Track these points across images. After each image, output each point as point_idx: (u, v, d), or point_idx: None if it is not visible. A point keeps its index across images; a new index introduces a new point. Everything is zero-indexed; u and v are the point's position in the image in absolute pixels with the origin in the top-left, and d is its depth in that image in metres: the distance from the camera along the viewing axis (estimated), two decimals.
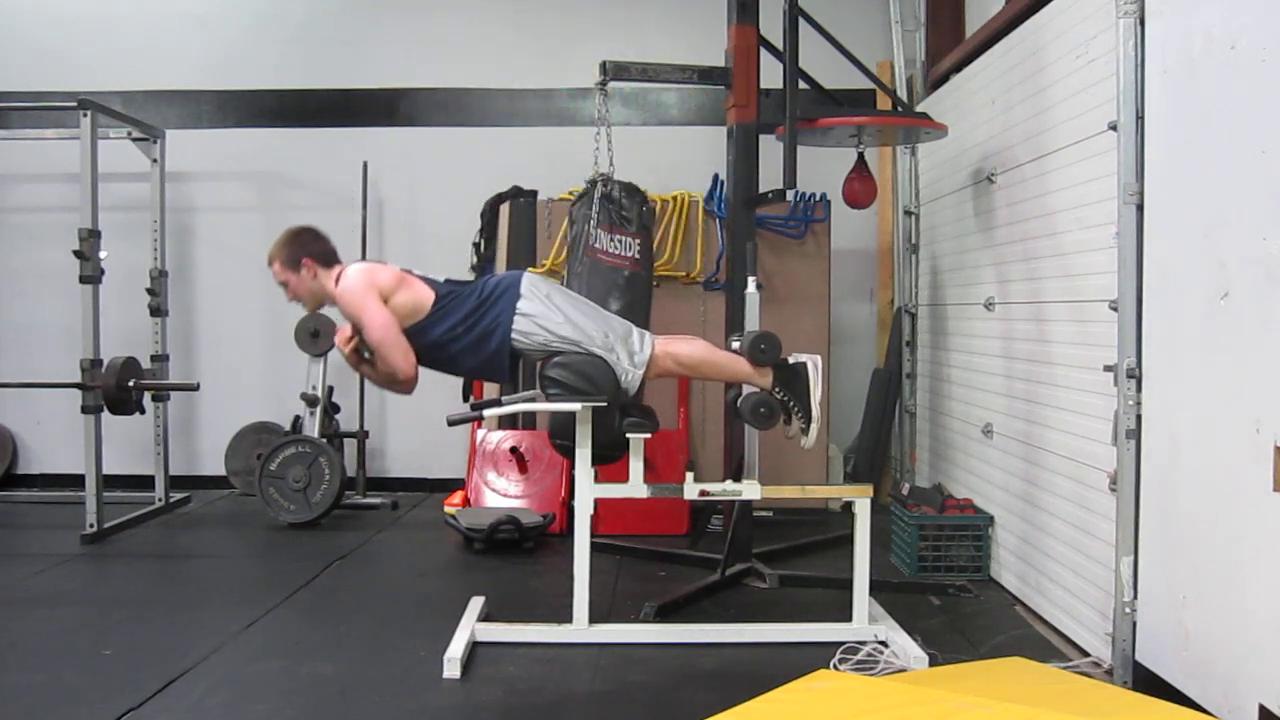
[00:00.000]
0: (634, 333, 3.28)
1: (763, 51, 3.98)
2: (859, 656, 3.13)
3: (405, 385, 3.29)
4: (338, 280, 3.26)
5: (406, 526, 5.06)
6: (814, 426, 3.26)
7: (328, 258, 3.34)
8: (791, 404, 3.26)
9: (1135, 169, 2.81)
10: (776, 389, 3.28)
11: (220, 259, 5.88)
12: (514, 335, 3.19)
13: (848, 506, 3.40)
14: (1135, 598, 2.81)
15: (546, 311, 3.20)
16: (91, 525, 4.62)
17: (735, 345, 3.44)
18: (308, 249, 3.32)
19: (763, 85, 3.98)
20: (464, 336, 3.23)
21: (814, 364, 3.27)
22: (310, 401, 5.24)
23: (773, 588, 3.87)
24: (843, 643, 3.21)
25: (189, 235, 5.88)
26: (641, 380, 3.25)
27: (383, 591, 3.97)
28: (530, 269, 5.24)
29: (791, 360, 3.29)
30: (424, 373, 5.94)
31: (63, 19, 5.83)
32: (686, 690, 2.91)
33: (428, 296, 3.25)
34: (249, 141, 5.84)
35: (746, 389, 3.38)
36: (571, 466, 3.47)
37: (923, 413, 5.13)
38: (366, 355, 3.28)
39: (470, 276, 5.52)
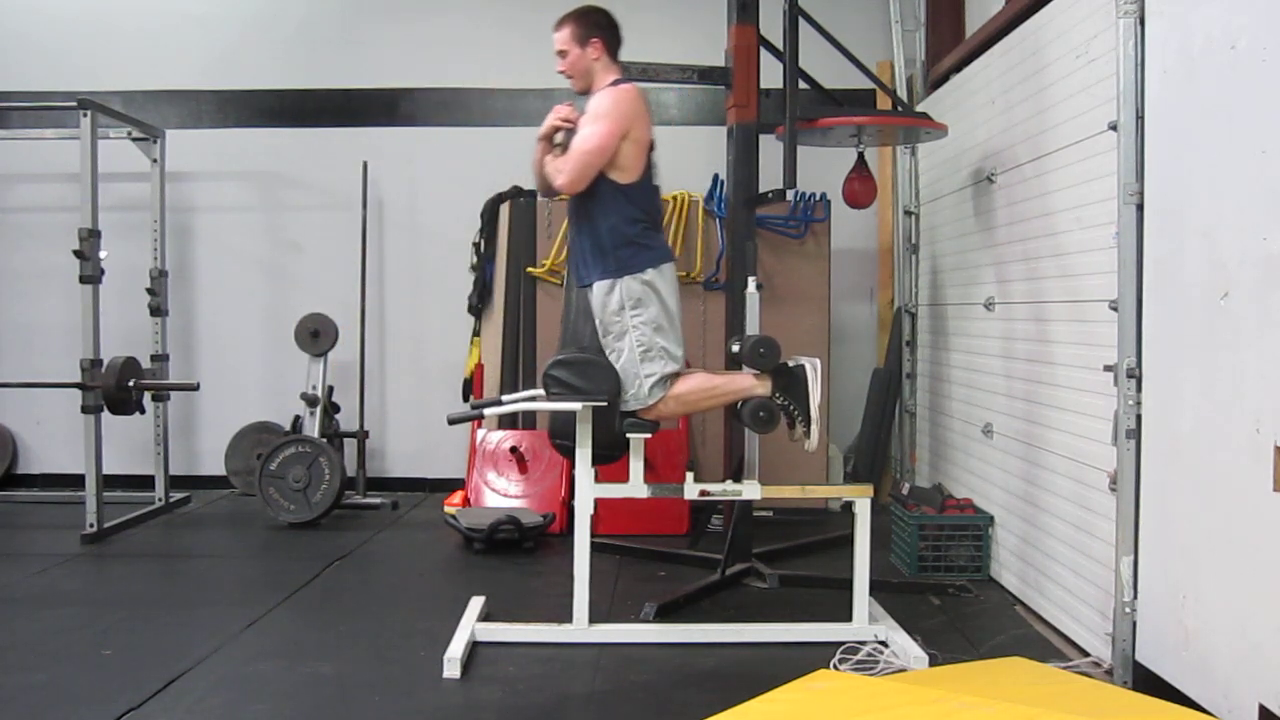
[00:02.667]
0: (666, 379, 3.21)
1: (763, 51, 3.99)
2: (859, 656, 3.13)
3: (553, 192, 3.32)
4: (614, 83, 3.26)
5: (406, 526, 5.06)
6: (814, 429, 3.25)
7: (615, 52, 3.34)
8: (791, 408, 3.26)
9: (1135, 169, 2.81)
10: (776, 394, 3.27)
11: (220, 259, 5.88)
12: (622, 282, 3.16)
13: (848, 506, 3.40)
14: (1135, 598, 2.81)
15: (647, 300, 3.17)
16: (91, 525, 4.62)
17: (734, 348, 3.44)
18: (605, 31, 3.32)
19: (763, 85, 3.98)
20: (611, 229, 3.18)
21: (812, 367, 3.27)
22: (310, 401, 5.24)
23: (773, 588, 3.87)
24: (843, 643, 3.22)
25: (189, 235, 5.88)
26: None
27: (383, 591, 3.97)
28: (530, 269, 5.26)
29: (790, 364, 3.29)
30: (419, 373, 5.96)
31: (63, 19, 5.83)
32: (686, 690, 2.91)
33: (635, 176, 3.22)
34: (249, 141, 5.84)
35: None
36: (571, 466, 3.48)
37: (923, 413, 5.13)
38: (558, 142, 3.27)
39: (470, 276, 5.54)
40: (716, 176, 5.16)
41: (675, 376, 3.24)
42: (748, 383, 3.29)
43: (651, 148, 3.31)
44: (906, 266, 5.26)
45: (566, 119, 3.28)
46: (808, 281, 5.20)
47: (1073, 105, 3.30)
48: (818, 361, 3.30)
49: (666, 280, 3.24)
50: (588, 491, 3.28)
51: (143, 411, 4.93)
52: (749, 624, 3.39)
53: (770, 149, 4.05)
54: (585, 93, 3.36)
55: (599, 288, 3.22)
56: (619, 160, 3.19)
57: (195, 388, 5.12)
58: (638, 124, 3.21)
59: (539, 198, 5.37)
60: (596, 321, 3.25)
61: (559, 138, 3.29)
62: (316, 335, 5.30)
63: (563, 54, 3.33)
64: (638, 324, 3.18)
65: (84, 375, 4.65)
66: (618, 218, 3.20)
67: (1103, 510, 3.02)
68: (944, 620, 3.54)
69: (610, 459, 3.38)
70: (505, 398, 3.45)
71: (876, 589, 3.46)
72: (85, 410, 4.65)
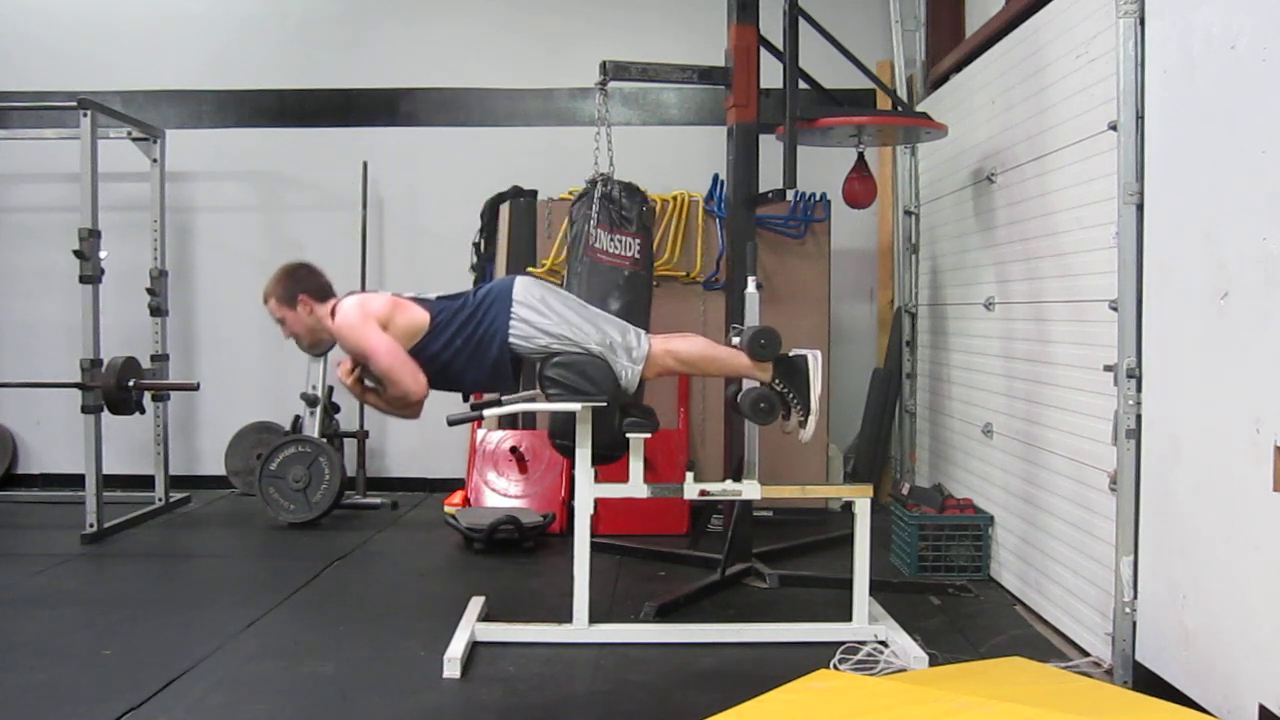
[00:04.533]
0: (630, 331, 3.27)
1: (763, 51, 3.98)
2: (859, 656, 3.13)
3: (415, 408, 3.24)
4: (334, 314, 3.23)
5: (406, 526, 5.06)
6: (812, 419, 3.25)
7: (323, 293, 3.30)
8: (791, 397, 3.26)
9: (1135, 169, 2.81)
10: (776, 381, 3.27)
11: (220, 259, 5.88)
12: (512, 339, 3.18)
13: (848, 506, 3.40)
14: (1135, 597, 2.81)
15: (541, 312, 3.19)
16: (91, 525, 4.62)
17: (735, 340, 3.44)
18: (303, 285, 3.27)
19: (763, 85, 3.97)
20: (464, 348, 3.21)
21: (814, 357, 3.26)
22: (310, 401, 5.24)
23: (773, 588, 3.87)
24: (843, 643, 3.21)
25: (189, 235, 5.88)
26: (641, 379, 3.24)
27: (383, 591, 3.97)
28: (530, 269, 5.25)
29: (792, 354, 3.29)
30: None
31: (63, 19, 5.83)
32: (686, 690, 2.91)
33: (423, 315, 3.22)
34: (249, 141, 5.84)
35: (746, 383, 3.38)
36: (571, 466, 3.47)
37: (923, 413, 5.12)
38: (369, 384, 3.25)
39: (470, 276, 5.54)
40: (716, 176, 5.16)
41: (646, 335, 3.26)
42: (749, 363, 3.28)
43: (398, 298, 3.25)
44: (906, 266, 5.27)
45: (349, 369, 3.22)
46: (808, 281, 5.19)
47: (1073, 105, 3.30)
48: (819, 353, 3.29)
49: (523, 292, 3.21)
50: (588, 491, 3.28)
51: (143, 411, 4.92)
52: (749, 624, 3.39)
53: (770, 149, 4.05)
54: (317, 345, 3.36)
55: (527, 352, 3.20)
56: (404, 333, 3.17)
57: (195, 388, 5.11)
58: (378, 311, 3.17)
59: (539, 198, 5.40)
60: (554, 359, 3.21)
61: (368, 380, 3.24)
62: None
63: (281, 321, 3.29)
64: (559, 328, 3.17)
65: (84, 375, 4.64)
66: (460, 338, 3.19)
67: (1103, 510, 3.02)
68: (944, 620, 3.54)
69: (610, 459, 3.38)
70: (505, 398, 3.44)
71: (876, 589, 3.46)
72: (85, 410, 4.65)
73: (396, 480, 5.82)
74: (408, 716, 2.75)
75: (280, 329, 3.33)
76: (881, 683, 2.72)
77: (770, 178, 4.01)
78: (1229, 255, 2.41)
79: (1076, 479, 3.25)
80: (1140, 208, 2.80)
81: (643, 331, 3.31)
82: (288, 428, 5.34)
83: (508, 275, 3.34)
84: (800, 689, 2.56)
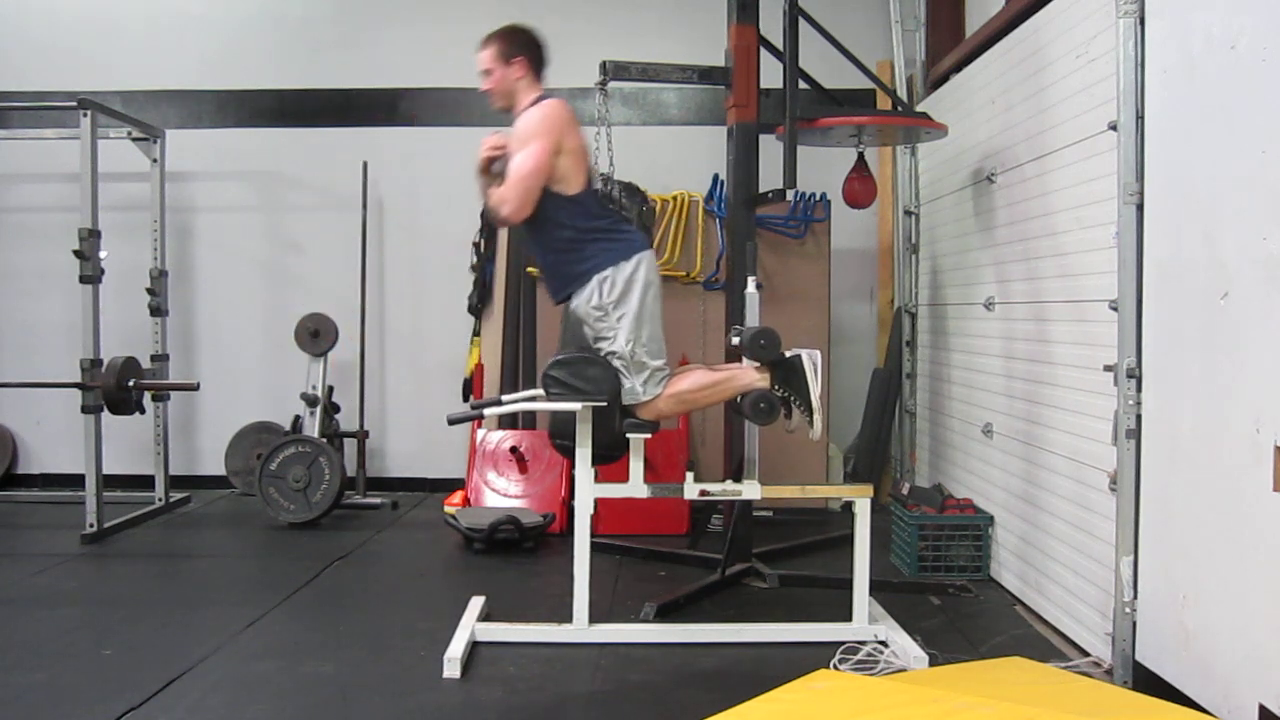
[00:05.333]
0: (660, 373, 3.23)
1: (763, 51, 3.98)
2: (859, 656, 3.13)
3: (503, 221, 3.31)
4: (537, 100, 3.25)
5: (406, 526, 5.06)
6: (817, 418, 3.25)
7: (539, 70, 3.35)
8: (792, 398, 3.26)
9: (1135, 169, 2.81)
10: (776, 385, 3.27)
11: (220, 259, 5.88)
12: (596, 281, 3.16)
13: (848, 506, 3.41)
14: (1135, 598, 2.81)
15: (629, 292, 3.17)
16: (91, 525, 4.62)
17: (735, 340, 3.43)
18: (526, 50, 3.33)
19: (763, 85, 3.97)
20: (571, 239, 3.20)
21: (810, 357, 3.26)
22: (310, 401, 5.24)
23: (773, 587, 3.87)
24: (843, 643, 3.21)
25: (189, 235, 5.88)
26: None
27: (383, 591, 3.97)
28: (530, 269, 5.26)
29: (788, 354, 3.29)
30: (419, 373, 5.96)
31: (63, 19, 5.83)
32: (686, 690, 2.91)
33: (581, 184, 3.22)
34: (249, 141, 5.84)
35: None
36: (571, 466, 3.47)
37: (923, 412, 5.13)
38: (496, 170, 3.26)
39: (470, 276, 5.54)
40: (716, 176, 5.16)
41: (669, 375, 3.25)
42: (748, 377, 3.29)
43: (587, 155, 3.31)
44: (906, 266, 5.27)
45: (496, 146, 3.26)
46: (808, 281, 5.20)
47: (1073, 105, 3.30)
48: (817, 353, 3.29)
49: (643, 269, 3.22)
50: (588, 491, 3.28)
51: (143, 411, 4.93)
52: (749, 624, 3.39)
53: (770, 149, 4.05)
54: (508, 111, 3.37)
55: (578, 298, 3.23)
56: (559, 174, 3.19)
57: (195, 388, 5.12)
58: (569, 135, 3.20)
59: None
60: (586, 329, 3.25)
61: (496, 166, 3.27)
62: (316, 335, 5.30)
63: (487, 73, 3.33)
64: (621, 323, 3.19)
65: (84, 375, 4.64)
66: (573, 228, 3.21)
67: (1103, 510, 3.02)
68: (944, 620, 3.54)
69: (610, 459, 3.38)
70: (505, 398, 3.44)
71: (876, 589, 3.46)
72: (85, 410, 4.65)
73: (396, 480, 5.81)
74: (408, 716, 2.75)
75: (481, 79, 3.36)
76: (881, 683, 2.72)
77: (770, 178, 4.01)
78: (1229, 255, 2.41)
79: (1076, 479, 3.25)
80: (1140, 208, 2.80)
81: (666, 378, 3.27)
82: (288, 428, 5.34)
83: (644, 240, 3.34)
84: (800, 689, 2.56)
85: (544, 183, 3.17)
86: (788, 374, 3.27)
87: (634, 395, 3.21)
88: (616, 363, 3.20)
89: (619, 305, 3.18)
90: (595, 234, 3.22)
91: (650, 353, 3.21)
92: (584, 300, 3.21)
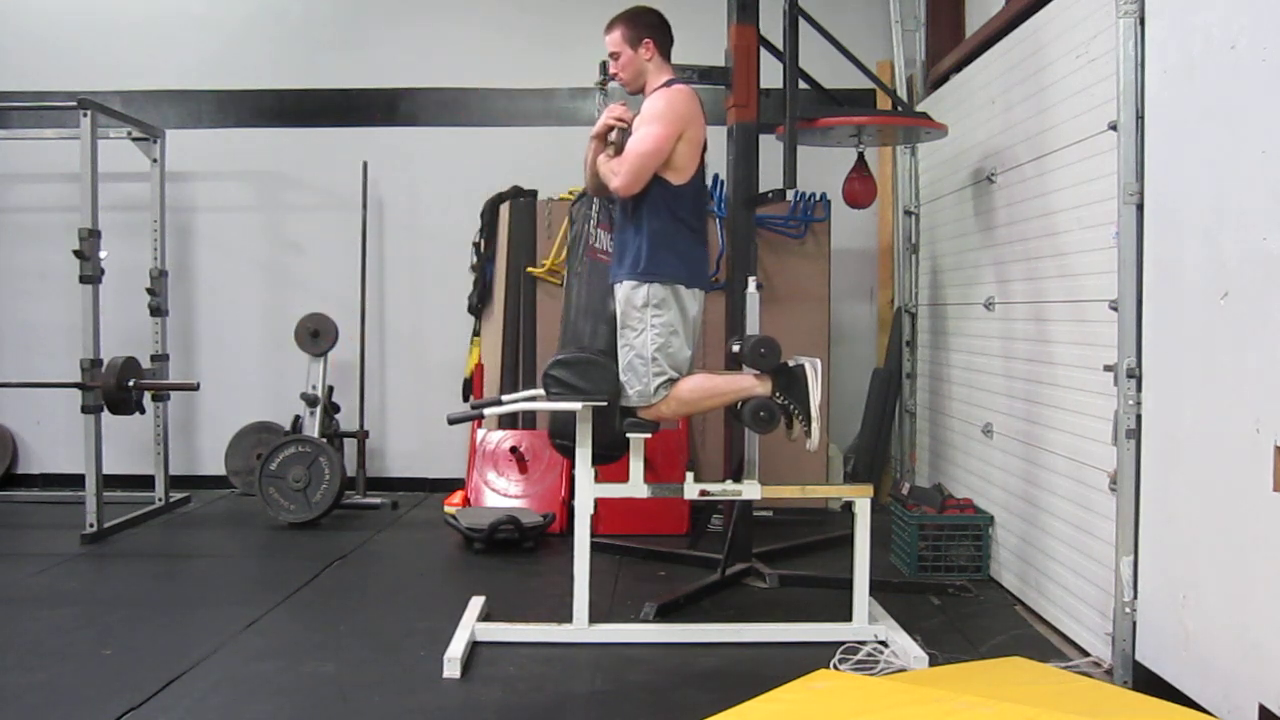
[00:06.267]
0: (670, 381, 3.25)
1: (763, 51, 3.98)
2: (859, 656, 3.13)
3: (605, 191, 3.34)
4: (666, 83, 3.28)
5: (406, 526, 5.06)
6: (815, 428, 3.25)
7: (667, 52, 3.37)
8: (792, 407, 3.26)
9: (1135, 169, 2.81)
10: (777, 394, 3.27)
11: (220, 259, 5.88)
12: (648, 290, 3.19)
13: (848, 506, 3.40)
14: (1135, 598, 2.81)
15: (672, 310, 3.22)
16: (91, 525, 4.62)
17: (735, 348, 3.43)
18: (655, 33, 3.34)
19: (763, 85, 3.97)
20: (658, 230, 3.22)
21: (812, 366, 3.27)
22: (310, 401, 5.24)
23: (773, 587, 3.87)
24: (843, 643, 3.22)
25: (189, 235, 5.88)
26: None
27: (383, 592, 3.97)
28: (530, 269, 5.26)
29: (791, 363, 3.29)
30: (419, 373, 5.96)
31: (63, 18, 5.83)
32: (686, 690, 2.91)
33: (688, 177, 3.26)
34: (249, 141, 5.84)
35: None
36: (571, 466, 3.47)
37: (923, 413, 5.12)
38: (613, 140, 3.29)
39: (470, 276, 5.54)
40: (716, 176, 5.15)
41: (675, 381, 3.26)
42: (748, 383, 3.29)
43: (704, 148, 3.35)
44: (906, 266, 5.27)
45: (620, 118, 3.30)
46: (808, 281, 5.20)
47: (1073, 105, 3.30)
48: (818, 361, 3.30)
49: (693, 300, 3.29)
50: (588, 491, 3.28)
51: (143, 411, 4.93)
52: (749, 624, 3.39)
53: (770, 149, 4.05)
54: (638, 93, 3.39)
55: (628, 284, 3.25)
56: (674, 161, 3.22)
57: (195, 388, 5.11)
58: (692, 125, 3.24)
59: (539, 198, 5.40)
60: (618, 313, 3.28)
61: (613, 136, 3.31)
62: (316, 335, 5.30)
63: (615, 55, 3.35)
64: (656, 323, 3.22)
65: (84, 375, 4.64)
66: (664, 221, 3.24)
67: (1103, 510, 3.02)
68: (944, 620, 3.54)
69: (610, 459, 3.38)
70: (505, 398, 3.44)
71: (876, 589, 3.46)
72: (85, 410, 4.65)
73: (396, 480, 5.81)
74: (408, 716, 2.75)
75: (610, 61, 3.37)
76: (881, 683, 2.72)
77: (770, 178, 4.01)
78: (1229, 255, 2.41)
79: (1076, 479, 3.25)
80: (1140, 208, 2.80)
81: (672, 382, 3.28)
82: (288, 428, 5.34)
83: (708, 277, 3.40)
84: (800, 689, 2.56)
85: (658, 166, 3.20)
86: (789, 382, 3.27)
87: (643, 398, 3.23)
88: (631, 356, 3.21)
89: (657, 312, 3.22)
90: (679, 239, 3.25)
91: (669, 361, 3.24)
92: (628, 290, 3.25)
